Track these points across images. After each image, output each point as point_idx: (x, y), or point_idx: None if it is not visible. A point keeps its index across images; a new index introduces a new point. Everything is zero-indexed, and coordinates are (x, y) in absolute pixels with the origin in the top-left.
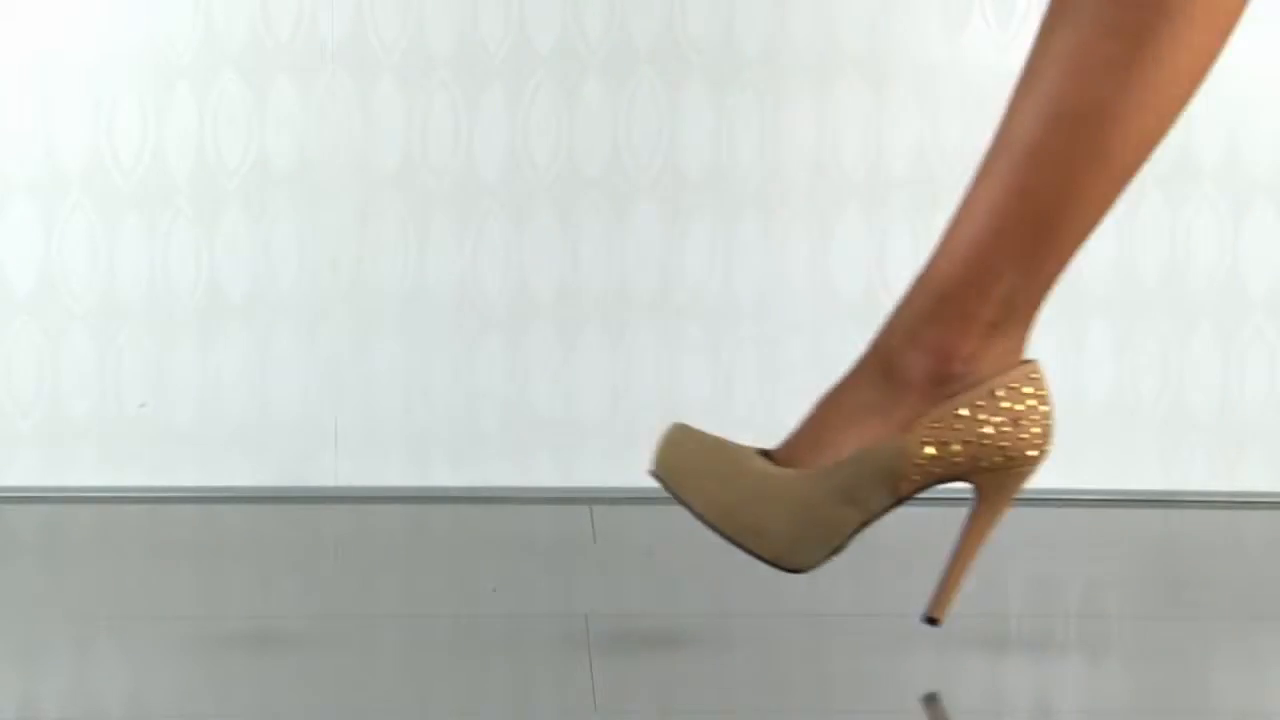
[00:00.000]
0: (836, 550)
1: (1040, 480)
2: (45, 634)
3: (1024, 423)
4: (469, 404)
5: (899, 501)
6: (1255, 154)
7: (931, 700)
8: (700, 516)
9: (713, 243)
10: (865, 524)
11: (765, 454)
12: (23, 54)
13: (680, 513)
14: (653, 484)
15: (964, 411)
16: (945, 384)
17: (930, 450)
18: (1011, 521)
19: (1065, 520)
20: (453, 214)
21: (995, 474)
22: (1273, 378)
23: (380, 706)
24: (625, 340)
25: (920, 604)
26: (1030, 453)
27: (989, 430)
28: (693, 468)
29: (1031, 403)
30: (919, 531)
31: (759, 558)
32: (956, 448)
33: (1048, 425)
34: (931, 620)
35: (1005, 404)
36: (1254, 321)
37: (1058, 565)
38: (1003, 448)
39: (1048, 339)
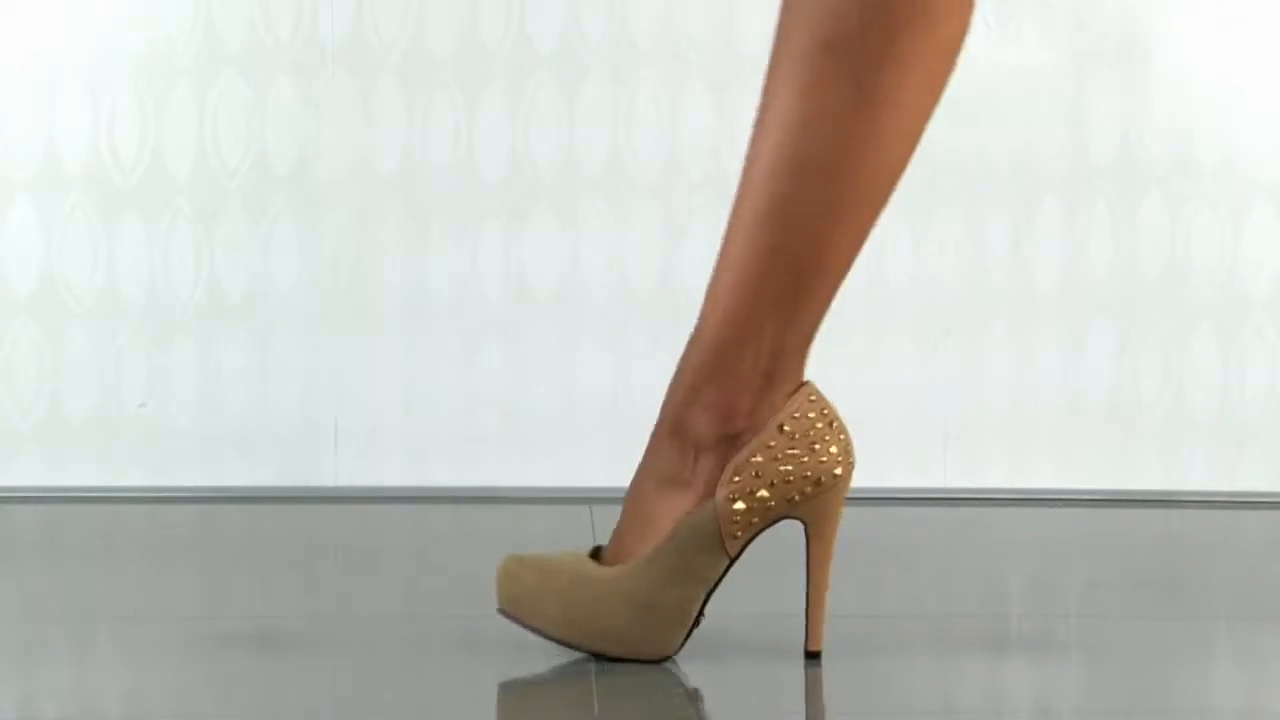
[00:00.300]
0: (695, 626)
1: (1040, 480)
2: (45, 634)
3: (819, 446)
4: (469, 404)
5: (734, 559)
6: (1255, 154)
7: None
8: (552, 638)
9: (712, 243)
10: (710, 593)
11: (598, 551)
12: (23, 54)
13: None
14: None
15: (758, 458)
16: (734, 440)
17: (740, 505)
18: (1012, 521)
19: (1065, 520)
20: (453, 214)
21: (812, 503)
22: (1273, 378)
23: (380, 706)
24: (625, 340)
25: (923, 604)
26: (836, 471)
27: (788, 466)
28: (532, 594)
29: (820, 425)
30: (918, 532)
31: (618, 659)
32: (764, 493)
33: (843, 440)
34: (813, 654)
35: (795, 434)
36: (1254, 321)
37: (1058, 565)
38: (807, 477)
39: (1048, 339)
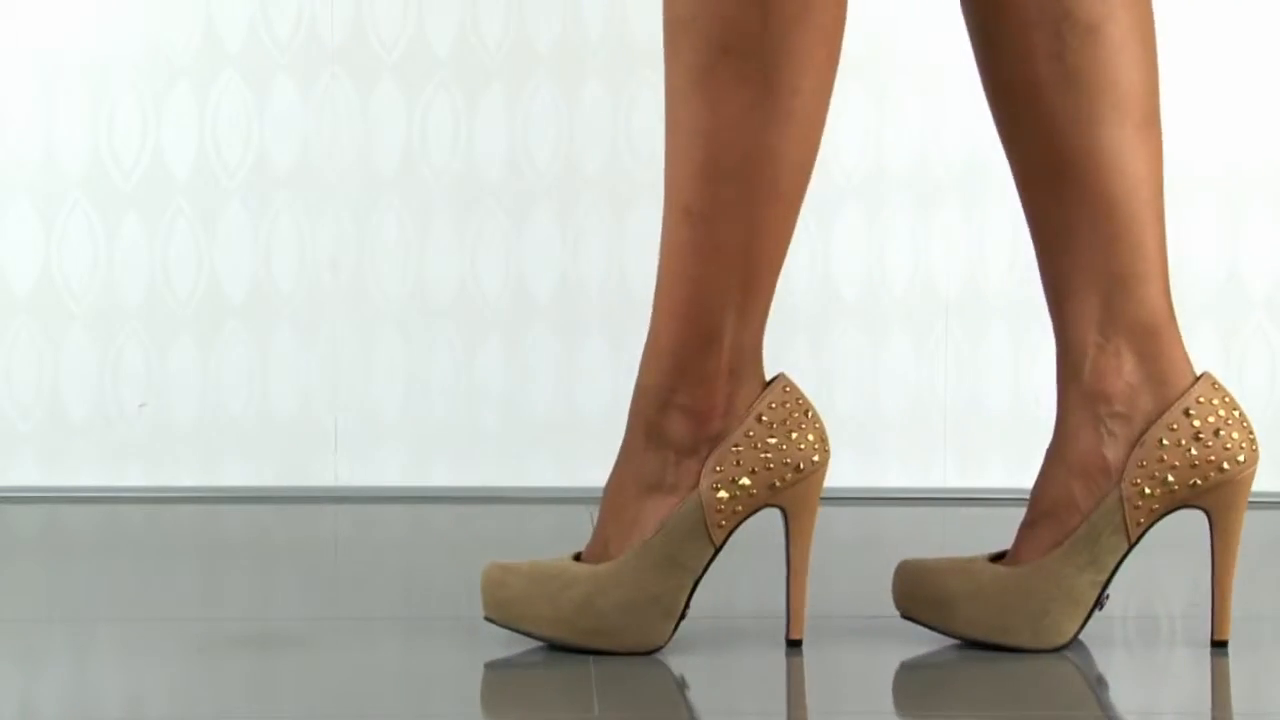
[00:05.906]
0: (682, 617)
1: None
2: (45, 634)
3: (796, 434)
4: (469, 404)
5: (719, 548)
6: (1255, 154)
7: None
8: (546, 639)
9: None
10: (696, 582)
11: (578, 558)
12: (23, 54)
13: None
14: None
15: (739, 447)
16: (714, 441)
17: (723, 494)
18: (1012, 521)
19: None
20: (453, 214)
21: (792, 490)
22: (1273, 378)
23: (380, 707)
24: (625, 340)
25: None
26: (815, 458)
27: (768, 454)
28: (521, 598)
29: (796, 414)
30: (918, 532)
31: (613, 653)
32: (746, 481)
33: (819, 428)
34: (794, 643)
35: (773, 423)
36: (1254, 321)
37: None
38: (787, 464)
39: (1047, 339)
